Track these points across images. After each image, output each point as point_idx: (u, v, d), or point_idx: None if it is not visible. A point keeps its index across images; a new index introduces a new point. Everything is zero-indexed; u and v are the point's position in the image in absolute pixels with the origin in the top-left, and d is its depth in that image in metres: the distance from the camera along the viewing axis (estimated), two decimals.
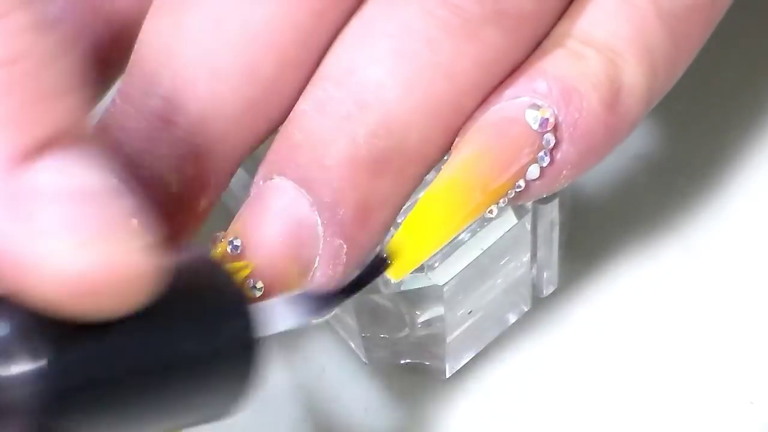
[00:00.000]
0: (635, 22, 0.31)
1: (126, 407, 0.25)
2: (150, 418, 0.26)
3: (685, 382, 0.37)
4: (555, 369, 0.38)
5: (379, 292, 0.34)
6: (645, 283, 0.39)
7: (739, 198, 0.40)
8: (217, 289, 0.27)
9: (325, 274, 0.30)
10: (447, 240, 0.31)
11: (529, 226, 0.35)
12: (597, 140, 0.31)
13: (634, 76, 0.31)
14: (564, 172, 0.31)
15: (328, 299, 0.29)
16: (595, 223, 0.40)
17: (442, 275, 0.34)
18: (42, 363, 0.24)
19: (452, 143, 0.31)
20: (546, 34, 0.32)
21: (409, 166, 0.30)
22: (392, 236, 0.30)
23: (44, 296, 0.24)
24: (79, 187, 0.25)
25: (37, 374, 0.24)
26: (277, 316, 0.28)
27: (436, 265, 0.34)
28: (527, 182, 0.31)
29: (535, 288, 0.37)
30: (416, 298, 0.34)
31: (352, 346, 0.37)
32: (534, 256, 0.36)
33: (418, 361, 0.37)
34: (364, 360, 0.37)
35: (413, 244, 0.30)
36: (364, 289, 0.33)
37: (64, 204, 0.24)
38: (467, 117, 0.31)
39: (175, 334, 0.26)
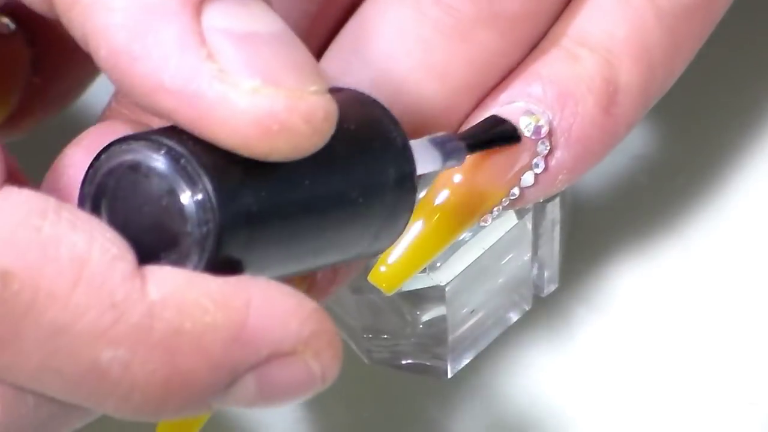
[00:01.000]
0: (633, 22, 0.31)
1: (290, 241, 0.26)
2: (311, 251, 0.26)
3: (686, 382, 0.37)
4: (557, 369, 0.38)
5: (381, 293, 0.34)
6: (645, 284, 0.39)
7: (739, 198, 0.40)
8: (378, 123, 0.27)
9: (337, 272, 0.30)
10: (440, 250, 0.31)
11: (530, 225, 0.35)
12: (593, 144, 0.31)
13: (630, 77, 0.31)
14: (560, 177, 0.31)
15: (461, 146, 0.29)
16: (595, 223, 0.40)
17: (444, 275, 0.34)
18: (209, 194, 0.24)
19: None
20: (542, 35, 0.31)
21: None
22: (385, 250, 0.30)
23: (224, 136, 0.24)
24: (257, 29, 0.25)
25: (205, 204, 0.24)
26: (423, 155, 0.28)
27: (438, 264, 0.34)
28: (522, 189, 0.31)
29: (536, 287, 0.37)
30: (418, 298, 0.34)
31: (354, 347, 0.37)
32: (535, 254, 0.36)
33: (419, 361, 0.37)
34: (365, 361, 0.37)
35: (407, 256, 0.30)
36: (368, 289, 0.33)
37: (243, 45, 0.25)
38: (462, 116, 0.31)
39: (339, 168, 0.26)
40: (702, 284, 0.39)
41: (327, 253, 0.27)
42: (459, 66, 0.30)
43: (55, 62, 0.33)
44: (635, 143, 0.41)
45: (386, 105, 0.28)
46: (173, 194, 0.24)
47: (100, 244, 0.24)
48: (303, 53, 0.25)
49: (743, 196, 0.40)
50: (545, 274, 0.37)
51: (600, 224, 0.40)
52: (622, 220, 0.40)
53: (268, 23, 0.25)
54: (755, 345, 0.38)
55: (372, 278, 0.30)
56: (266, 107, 0.24)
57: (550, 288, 0.37)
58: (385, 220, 0.27)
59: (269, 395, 0.25)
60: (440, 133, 0.29)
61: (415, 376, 0.37)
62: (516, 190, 0.31)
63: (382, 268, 0.30)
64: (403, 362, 0.37)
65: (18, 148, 0.33)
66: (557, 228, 0.36)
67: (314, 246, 0.26)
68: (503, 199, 0.30)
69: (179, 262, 0.25)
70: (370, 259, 0.29)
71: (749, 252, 0.39)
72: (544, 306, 0.38)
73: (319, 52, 0.31)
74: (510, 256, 0.35)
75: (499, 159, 0.30)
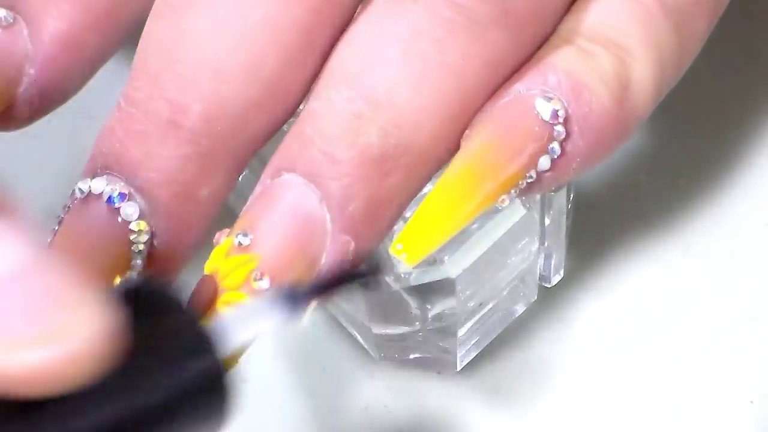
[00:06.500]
0: (641, 18, 0.32)
1: None
2: None
3: (686, 381, 0.37)
4: (559, 366, 0.38)
5: (390, 288, 0.34)
6: (645, 284, 0.39)
7: (740, 195, 0.40)
8: (172, 319, 0.25)
9: (332, 270, 0.30)
10: (459, 228, 0.30)
11: (537, 216, 0.35)
12: (606, 134, 0.31)
13: (641, 72, 0.32)
14: (574, 165, 0.31)
15: (298, 299, 0.26)
16: (596, 223, 0.40)
17: (453, 268, 0.34)
18: None
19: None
20: (550, 33, 0.32)
21: (419, 164, 0.30)
22: (404, 224, 0.30)
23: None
24: (11, 270, 0.23)
25: None
26: (246, 323, 0.26)
27: (447, 258, 0.34)
28: (538, 173, 0.31)
29: (542, 277, 0.37)
30: (428, 291, 0.34)
31: (363, 343, 0.37)
32: (542, 244, 0.36)
33: (428, 355, 0.37)
34: (374, 357, 0.37)
35: (425, 231, 0.30)
36: (375, 286, 0.33)
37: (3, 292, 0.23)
38: (474, 115, 0.31)
39: (132, 382, 0.24)
40: (702, 284, 0.39)
41: None
42: (474, 65, 0.30)
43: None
44: (635, 143, 0.41)
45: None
46: None
47: None
48: (66, 275, 0.23)
49: (744, 196, 0.40)
50: (552, 264, 0.37)
51: (600, 225, 0.40)
52: (622, 220, 0.40)
53: (23, 254, 0.23)
54: (755, 344, 0.38)
55: (393, 251, 0.30)
56: (40, 356, 0.22)
57: (556, 278, 0.38)
58: (198, 418, 0.25)
59: None
60: (277, 289, 0.27)
61: (413, 373, 0.37)
62: (533, 173, 0.31)
63: (399, 246, 0.30)
64: (411, 357, 0.37)
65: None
66: (564, 217, 0.36)
67: None
68: (520, 182, 0.31)
69: None
70: None
71: (750, 250, 0.39)
72: (549, 300, 0.38)
73: (325, 49, 0.31)
74: (518, 246, 0.35)
75: (515, 138, 0.30)
